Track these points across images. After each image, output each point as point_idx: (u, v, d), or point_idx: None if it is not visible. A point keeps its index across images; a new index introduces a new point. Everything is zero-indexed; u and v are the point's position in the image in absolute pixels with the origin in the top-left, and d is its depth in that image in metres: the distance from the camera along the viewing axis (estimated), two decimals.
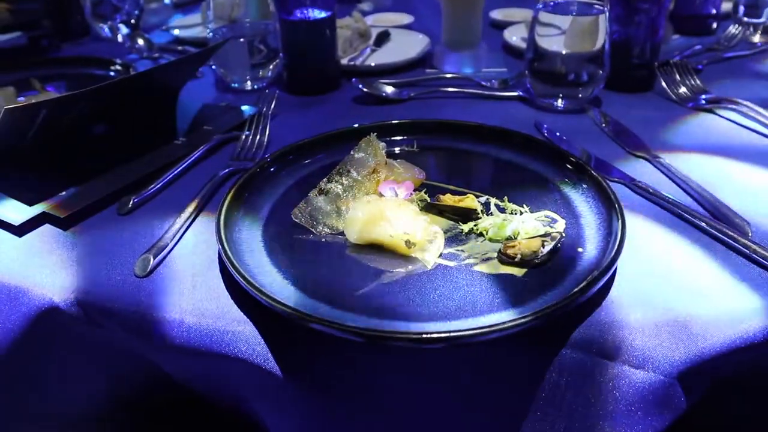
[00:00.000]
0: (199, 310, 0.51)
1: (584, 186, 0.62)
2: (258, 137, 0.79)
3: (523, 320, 0.44)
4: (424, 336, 0.43)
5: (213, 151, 0.78)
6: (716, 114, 0.84)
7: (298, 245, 0.57)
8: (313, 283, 0.51)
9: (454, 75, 1.01)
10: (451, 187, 0.65)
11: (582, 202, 0.61)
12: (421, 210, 0.61)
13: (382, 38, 1.17)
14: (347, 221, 0.57)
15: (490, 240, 0.56)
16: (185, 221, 0.61)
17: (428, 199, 0.62)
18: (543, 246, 0.53)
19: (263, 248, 0.56)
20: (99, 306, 0.52)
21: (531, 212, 0.60)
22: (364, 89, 0.93)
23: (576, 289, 0.46)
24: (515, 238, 0.55)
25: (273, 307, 0.46)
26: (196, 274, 0.55)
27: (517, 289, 0.50)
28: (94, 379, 0.59)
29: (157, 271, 0.55)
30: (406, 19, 1.34)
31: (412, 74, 1.04)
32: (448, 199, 0.61)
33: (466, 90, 0.95)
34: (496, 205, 0.60)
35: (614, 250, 0.50)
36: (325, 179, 0.62)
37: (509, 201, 0.61)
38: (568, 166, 0.65)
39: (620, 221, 0.54)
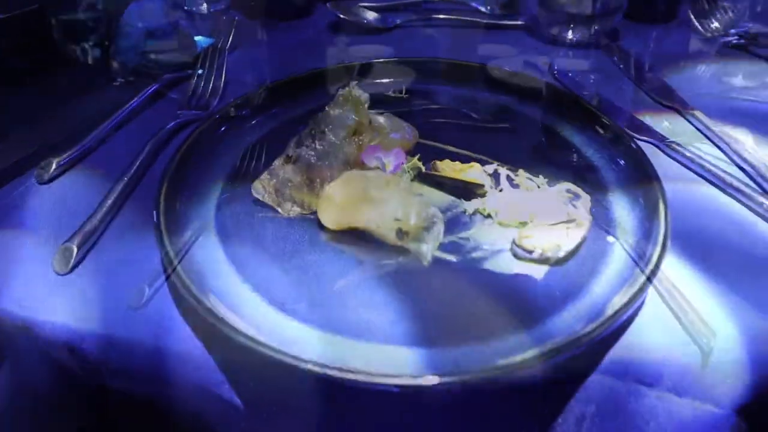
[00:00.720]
0: (133, 323, 0.40)
1: (612, 150, 0.52)
2: (213, 78, 0.65)
3: (541, 356, 0.34)
4: (414, 384, 0.33)
5: (159, 95, 0.64)
6: (755, 54, 0.71)
7: (260, 230, 0.46)
8: (276, 287, 0.41)
9: None
10: (451, 148, 0.54)
11: (609, 170, 0.51)
12: (412, 180, 0.50)
13: None
14: (321, 203, 0.45)
15: (500, 224, 0.46)
16: (121, 193, 0.49)
17: (422, 168, 0.51)
18: (567, 235, 0.43)
19: (216, 236, 0.45)
20: (6, 311, 0.41)
21: (548, 186, 0.49)
22: (342, 15, 0.80)
23: (613, 311, 0.36)
24: (531, 222, 0.45)
25: (223, 330, 0.36)
26: (133, 271, 0.43)
27: (537, 299, 0.40)
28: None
29: (82, 265, 0.44)
30: None
31: None
32: (447, 167, 0.50)
33: (461, 17, 0.82)
34: (508, 178, 0.49)
35: (659, 247, 0.40)
36: (293, 143, 0.50)
37: (523, 169, 0.50)
38: (599, 129, 0.54)
39: (662, 204, 0.44)
